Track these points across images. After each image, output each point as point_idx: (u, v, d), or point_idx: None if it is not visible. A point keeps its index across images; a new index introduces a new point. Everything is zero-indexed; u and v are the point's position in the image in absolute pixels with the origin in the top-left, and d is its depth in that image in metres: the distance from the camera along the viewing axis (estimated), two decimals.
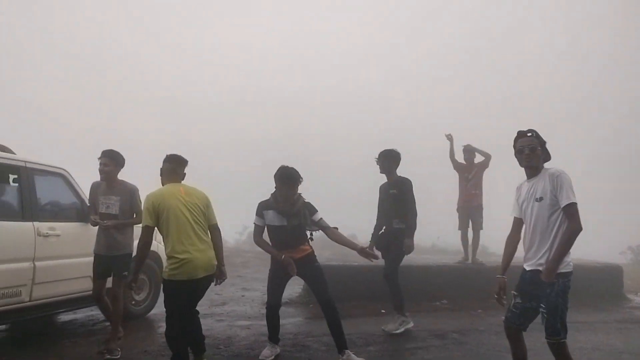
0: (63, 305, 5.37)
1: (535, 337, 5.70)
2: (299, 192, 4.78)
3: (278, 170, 4.74)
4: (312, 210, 4.82)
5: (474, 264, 8.47)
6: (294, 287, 8.71)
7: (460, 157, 8.43)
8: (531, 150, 3.52)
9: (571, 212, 3.35)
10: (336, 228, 4.84)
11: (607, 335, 6.01)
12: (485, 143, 8.54)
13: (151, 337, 5.66)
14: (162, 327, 6.06)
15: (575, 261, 9.91)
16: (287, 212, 4.72)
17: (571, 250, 3.43)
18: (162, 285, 4.11)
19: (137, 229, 5.19)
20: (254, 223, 4.90)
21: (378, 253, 5.46)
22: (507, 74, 40.75)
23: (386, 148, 6.07)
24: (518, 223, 3.75)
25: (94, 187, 5.16)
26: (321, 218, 4.81)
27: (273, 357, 4.80)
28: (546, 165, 3.60)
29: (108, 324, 6.24)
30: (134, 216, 5.09)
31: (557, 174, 3.41)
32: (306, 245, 4.89)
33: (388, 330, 5.75)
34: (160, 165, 4.33)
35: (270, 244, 4.87)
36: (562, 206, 3.36)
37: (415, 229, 5.92)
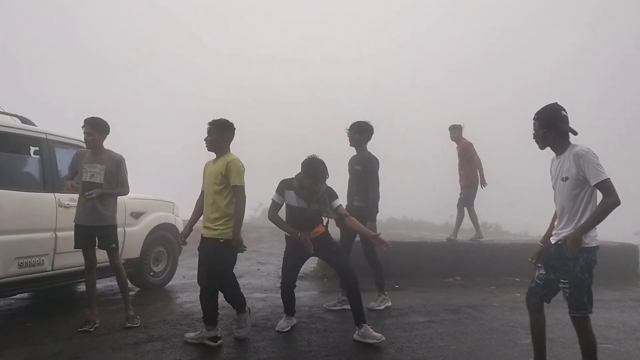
0: (83, 275, 5.47)
1: (549, 314, 5.74)
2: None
3: (307, 161, 4.64)
4: (333, 196, 4.74)
5: (473, 240, 8.42)
6: (309, 262, 8.78)
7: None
8: (534, 136, 3.54)
9: (606, 187, 3.24)
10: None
11: (622, 313, 6.03)
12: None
13: (170, 306, 5.77)
14: (180, 297, 6.24)
15: None
16: (309, 199, 4.69)
17: (598, 227, 3.39)
18: (226, 245, 4.31)
19: (120, 200, 5.33)
20: (272, 199, 4.81)
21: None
22: (517, 72, 40.51)
23: (360, 120, 5.68)
24: None
25: (79, 155, 4.91)
26: (340, 205, 4.75)
27: (289, 327, 4.88)
28: (574, 141, 3.49)
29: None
30: (118, 186, 4.97)
31: (581, 154, 3.30)
32: (320, 226, 4.87)
33: (370, 307, 5.63)
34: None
35: (284, 221, 4.85)
36: (592, 185, 3.26)
37: (376, 211, 5.59)
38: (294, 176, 4.75)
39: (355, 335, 4.59)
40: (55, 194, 5.17)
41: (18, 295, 5.75)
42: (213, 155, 4.50)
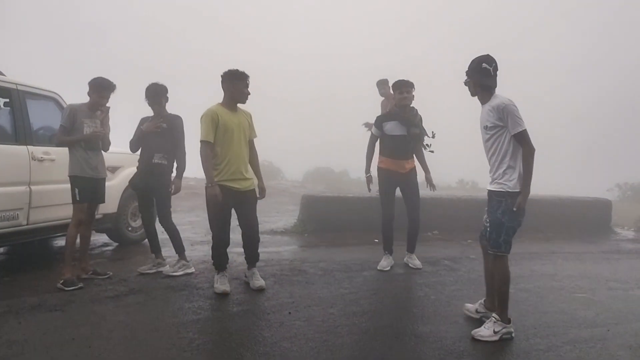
0: (60, 230, 5.36)
1: (524, 265, 5.88)
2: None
3: (397, 81, 5.37)
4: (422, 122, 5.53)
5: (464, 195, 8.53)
6: (289, 218, 8.84)
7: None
8: (465, 83, 3.69)
9: (522, 137, 3.45)
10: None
11: (595, 265, 6.19)
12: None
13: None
14: None
15: (566, 196, 10.00)
16: (410, 121, 5.32)
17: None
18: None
19: None
20: (371, 132, 5.64)
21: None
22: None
23: (148, 86, 5.19)
24: None
25: (76, 109, 4.70)
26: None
27: (389, 267, 5.51)
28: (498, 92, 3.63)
29: (107, 248, 6.36)
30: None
31: (502, 106, 3.46)
32: (412, 160, 5.54)
33: (165, 272, 5.13)
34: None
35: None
36: (512, 134, 3.45)
37: (184, 169, 5.23)
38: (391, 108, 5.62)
39: (405, 258, 5.72)
40: (28, 146, 5.00)
41: None
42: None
